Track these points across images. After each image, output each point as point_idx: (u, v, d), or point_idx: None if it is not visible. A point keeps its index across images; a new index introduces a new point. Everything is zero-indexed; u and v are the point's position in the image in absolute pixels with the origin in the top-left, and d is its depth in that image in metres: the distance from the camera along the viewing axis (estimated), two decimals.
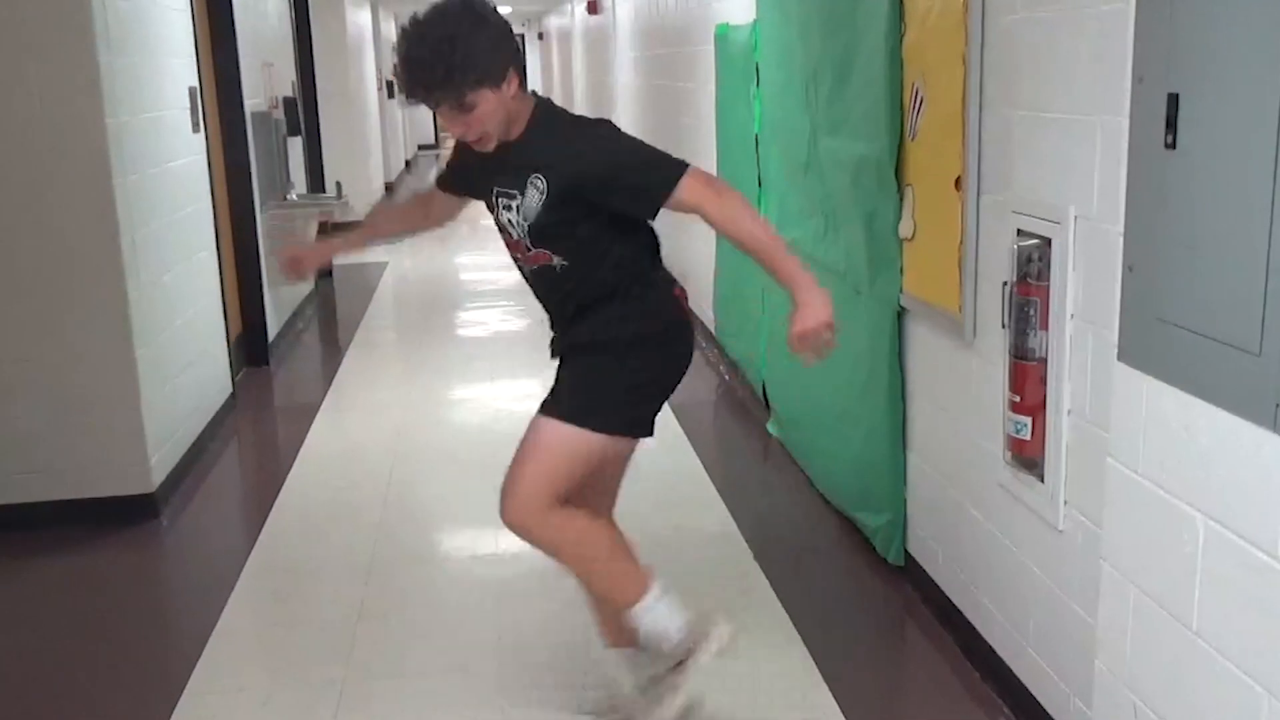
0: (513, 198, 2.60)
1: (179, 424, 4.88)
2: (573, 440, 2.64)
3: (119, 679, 3.33)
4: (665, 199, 2.54)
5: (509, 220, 2.64)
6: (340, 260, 8.57)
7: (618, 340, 2.69)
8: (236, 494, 5.09)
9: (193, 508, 4.64)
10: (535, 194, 2.56)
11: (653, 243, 2.77)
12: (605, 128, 2.66)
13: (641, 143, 2.66)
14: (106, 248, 4.23)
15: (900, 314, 3.60)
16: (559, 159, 2.55)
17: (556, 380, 2.76)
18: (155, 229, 4.71)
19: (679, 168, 2.55)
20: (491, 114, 2.51)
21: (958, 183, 3.06)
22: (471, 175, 2.74)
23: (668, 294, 2.77)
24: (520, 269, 2.76)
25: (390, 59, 17.86)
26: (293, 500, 4.66)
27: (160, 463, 4.55)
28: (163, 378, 4.65)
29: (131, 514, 4.40)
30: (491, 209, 2.69)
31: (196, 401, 5.22)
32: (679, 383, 2.78)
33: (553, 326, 2.84)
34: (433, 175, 2.65)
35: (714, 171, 6.20)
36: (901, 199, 3.47)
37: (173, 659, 3.42)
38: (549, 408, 2.70)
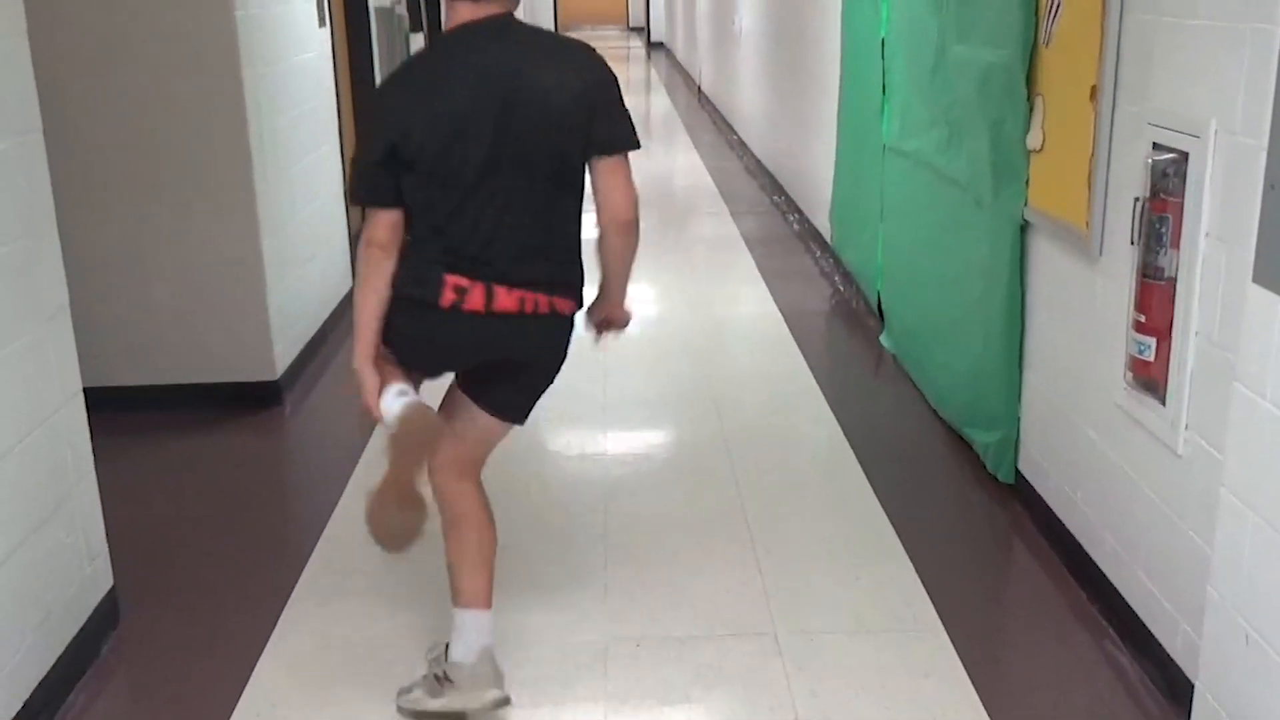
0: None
1: (302, 314, 5.02)
2: None
3: (245, 554, 3.49)
4: None
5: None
6: None
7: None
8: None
9: (314, 396, 4.80)
10: None
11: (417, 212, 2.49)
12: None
13: None
14: (235, 139, 4.33)
15: (1023, 228, 3.51)
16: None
17: None
18: (282, 122, 4.80)
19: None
20: None
21: (1093, 92, 2.95)
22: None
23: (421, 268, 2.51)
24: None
25: None
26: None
27: (284, 351, 4.70)
28: (287, 268, 4.78)
29: (256, 400, 4.57)
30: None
31: (319, 292, 5.36)
32: (419, 360, 2.60)
33: None
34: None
35: (837, 76, 6.07)
36: (1031, 109, 3.36)
37: (295, 536, 3.56)
38: None
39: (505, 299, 2.44)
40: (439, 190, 2.41)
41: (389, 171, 2.40)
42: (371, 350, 2.49)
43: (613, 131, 2.48)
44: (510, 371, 2.61)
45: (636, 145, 2.49)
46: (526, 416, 2.70)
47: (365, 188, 2.47)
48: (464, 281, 2.42)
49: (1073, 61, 3.08)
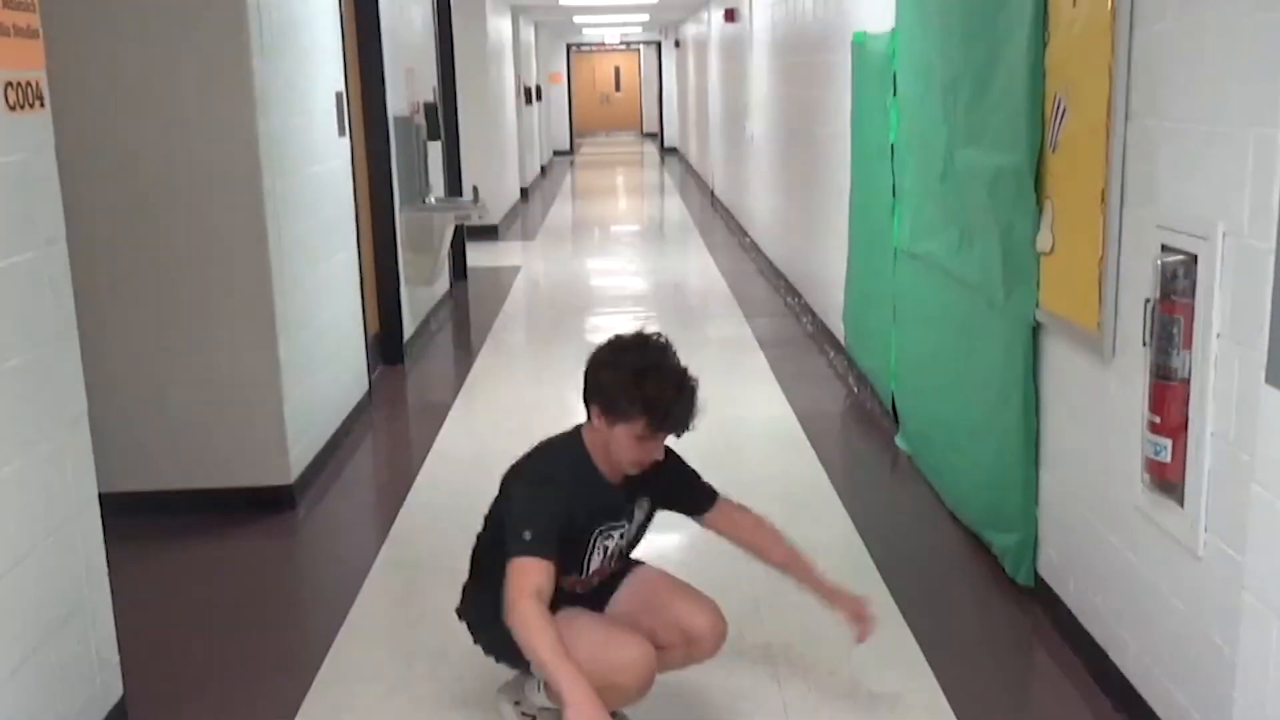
0: (617, 528, 2.79)
1: (317, 419, 5.04)
2: None
3: (255, 663, 3.46)
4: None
5: (605, 549, 2.78)
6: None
7: None
8: (370, 489, 5.24)
9: (328, 501, 4.79)
10: (641, 515, 2.86)
11: None
12: None
13: None
14: (255, 246, 4.40)
15: (1035, 329, 3.52)
16: (658, 478, 2.82)
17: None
18: (301, 229, 4.87)
19: None
20: None
21: (1102, 196, 2.98)
22: (575, 530, 2.71)
23: None
24: (563, 593, 2.70)
25: (528, 66, 18.18)
26: (423, 497, 4.77)
27: (299, 456, 4.71)
28: (303, 373, 4.81)
29: (270, 504, 4.56)
30: (580, 556, 2.75)
31: (334, 397, 5.38)
32: None
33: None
34: (534, 583, 2.63)
35: (848, 180, 6.16)
36: (1040, 211, 3.40)
37: (306, 646, 3.53)
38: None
39: None
40: None
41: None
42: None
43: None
44: None
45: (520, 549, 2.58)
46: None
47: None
48: None
49: (1080, 166, 3.12)
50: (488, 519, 2.86)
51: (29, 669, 2.59)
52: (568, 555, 2.66)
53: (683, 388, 2.62)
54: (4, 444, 2.53)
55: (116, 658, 3.04)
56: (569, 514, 2.64)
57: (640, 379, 2.58)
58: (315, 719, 3.10)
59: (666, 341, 2.70)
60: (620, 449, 2.65)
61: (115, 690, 3.03)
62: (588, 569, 2.76)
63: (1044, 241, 3.39)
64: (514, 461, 2.81)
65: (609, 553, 2.78)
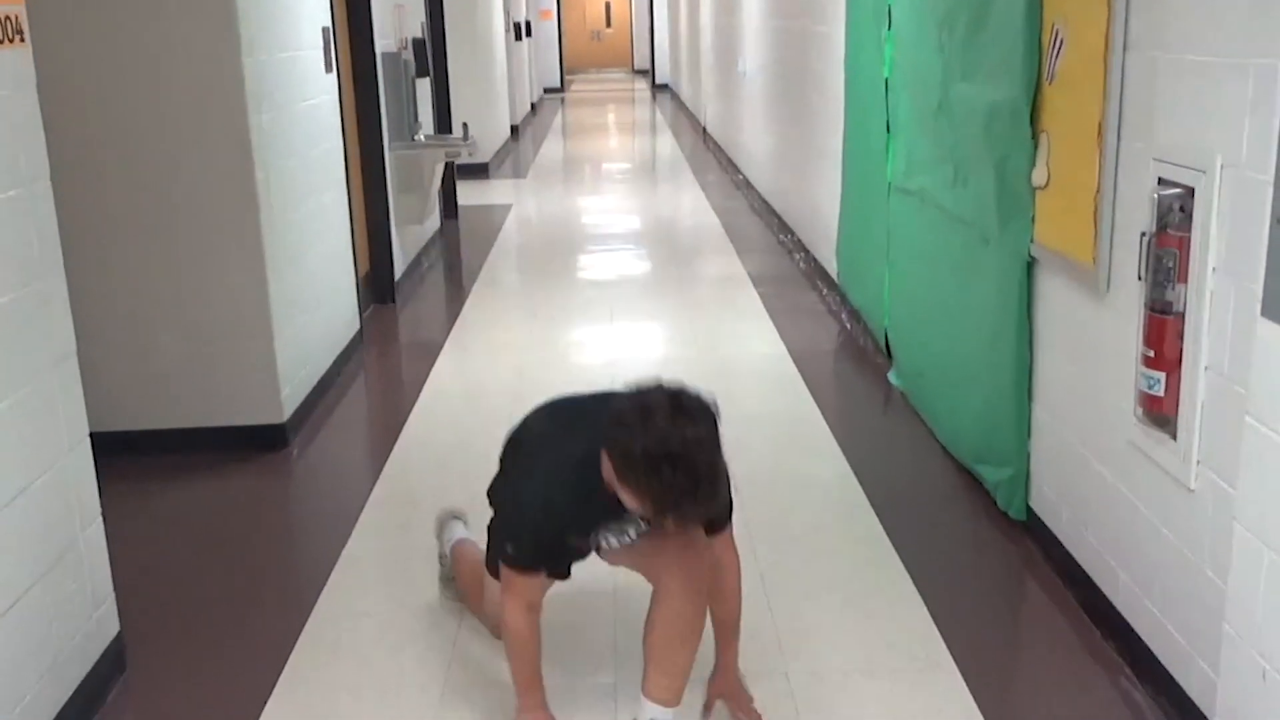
0: (629, 527, 2.63)
1: (309, 358, 5.03)
2: None
3: (250, 600, 3.47)
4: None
5: (611, 543, 2.68)
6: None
7: None
8: (363, 427, 5.24)
9: (321, 439, 4.79)
10: (641, 525, 2.63)
11: None
12: None
13: None
14: (242, 184, 4.35)
15: (1030, 264, 3.50)
16: None
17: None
18: (288, 167, 4.82)
19: None
20: None
21: (1098, 128, 2.96)
22: (580, 534, 2.65)
23: None
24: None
25: (517, 2, 17.96)
26: (416, 435, 4.77)
27: (291, 395, 4.70)
28: (294, 312, 4.79)
29: (263, 443, 4.56)
30: (584, 552, 2.74)
31: (326, 336, 5.36)
32: None
33: None
34: (525, 599, 2.55)
35: (842, 115, 6.11)
36: (1036, 145, 3.37)
37: (301, 582, 3.55)
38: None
39: None
40: None
41: None
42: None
43: None
44: None
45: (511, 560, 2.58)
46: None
47: None
48: None
49: (1077, 98, 3.09)
50: (502, 463, 2.79)
51: (24, 606, 2.60)
52: (567, 554, 2.67)
53: (699, 487, 2.29)
54: None
55: (112, 594, 3.05)
56: (564, 533, 2.59)
57: (655, 467, 2.24)
58: (311, 655, 3.12)
59: (702, 412, 2.36)
60: (634, 505, 2.37)
61: (112, 627, 3.04)
62: (597, 551, 2.73)
63: (1039, 176, 3.36)
64: (528, 430, 2.70)
65: (619, 544, 2.69)
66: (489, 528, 2.78)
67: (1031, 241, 3.44)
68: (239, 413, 4.56)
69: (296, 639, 3.19)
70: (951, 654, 3.02)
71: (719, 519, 2.68)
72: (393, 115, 7.14)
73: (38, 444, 2.71)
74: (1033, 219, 3.42)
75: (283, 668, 3.05)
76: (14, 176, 2.64)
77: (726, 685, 2.77)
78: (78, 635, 2.85)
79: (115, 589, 3.07)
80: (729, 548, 2.73)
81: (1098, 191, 2.97)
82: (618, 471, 2.32)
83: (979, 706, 2.79)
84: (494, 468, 2.79)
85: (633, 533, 2.64)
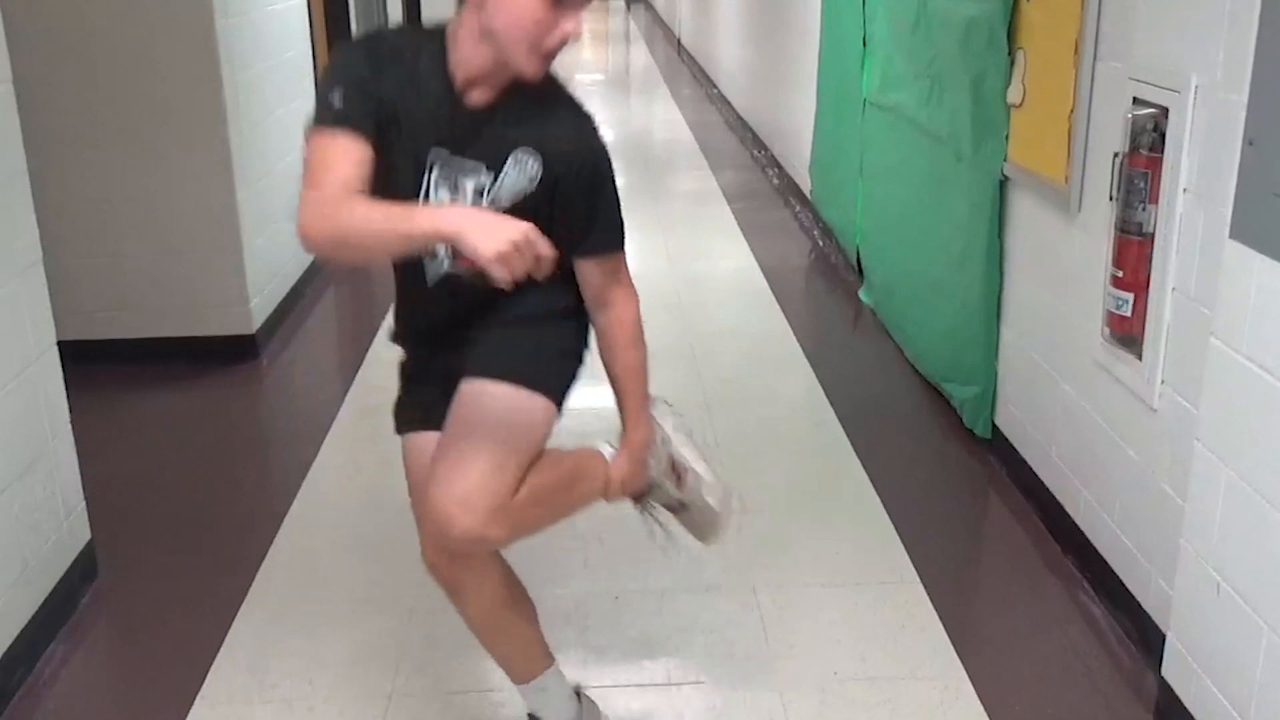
0: (470, 167, 1.92)
1: (279, 268, 4.99)
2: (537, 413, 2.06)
3: (222, 509, 3.49)
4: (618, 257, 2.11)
5: (453, 185, 1.94)
6: None
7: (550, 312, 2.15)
8: (333, 338, 5.22)
9: (291, 349, 4.78)
10: (520, 176, 1.93)
11: None
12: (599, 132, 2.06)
13: None
14: (209, 90, 4.27)
15: (1002, 183, 3.51)
16: (562, 144, 1.95)
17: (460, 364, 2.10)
18: (256, 73, 4.74)
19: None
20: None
21: (1074, 46, 2.94)
22: (398, 135, 1.89)
23: None
24: (419, 278, 2.08)
25: None
26: (386, 347, 4.75)
27: (260, 305, 4.67)
28: (264, 222, 4.73)
29: (233, 353, 4.54)
30: (412, 182, 1.93)
31: (296, 247, 5.29)
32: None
33: (427, 338, 2.24)
34: (338, 170, 1.82)
35: (818, 29, 6.04)
36: (1012, 63, 3.35)
37: (272, 492, 3.56)
38: (486, 370, 2.05)
39: None
40: None
41: None
42: None
43: None
44: None
45: (321, 117, 1.87)
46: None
47: None
48: None
49: (1054, 16, 3.07)
50: None
51: None
52: (393, 169, 1.89)
53: None
54: None
55: (83, 503, 3.06)
56: (384, 100, 1.85)
57: None
58: (281, 563, 3.15)
59: None
60: (516, 21, 1.79)
61: (83, 535, 3.05)
62: (429, 196, 1.94)
63: (1015, 93, 3.35)
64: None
65: (462, 193, 1.94)
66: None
67: (1005, 160, 3.44)
68: (209, 323, 4.53)
69: (268, 548, 3.21)
70: (915, 567, 3.08)
71: (605, 244, 2.07)
72: (362, 20, 7.00)
73: (4, 352, 2.69)
74: (1007, 137, 3.42)
75: (254, 575, 3.08)
76: None
77: (631, 468, 2.23)
78: (49, 542, 2.86)
79: (86, 498, 3.08)
80: (621, 283, 2.15)
81: (1072, 111, 2.97)
82: None
83: (940, 618, 2.85)
84: None
85: (483, 182, 1.92)
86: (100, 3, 4.13)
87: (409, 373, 2.31)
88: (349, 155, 1.80)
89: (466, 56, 1.88)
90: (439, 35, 1.91)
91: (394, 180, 1.89)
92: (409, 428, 2.23)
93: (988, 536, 3.47)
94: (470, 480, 1.93)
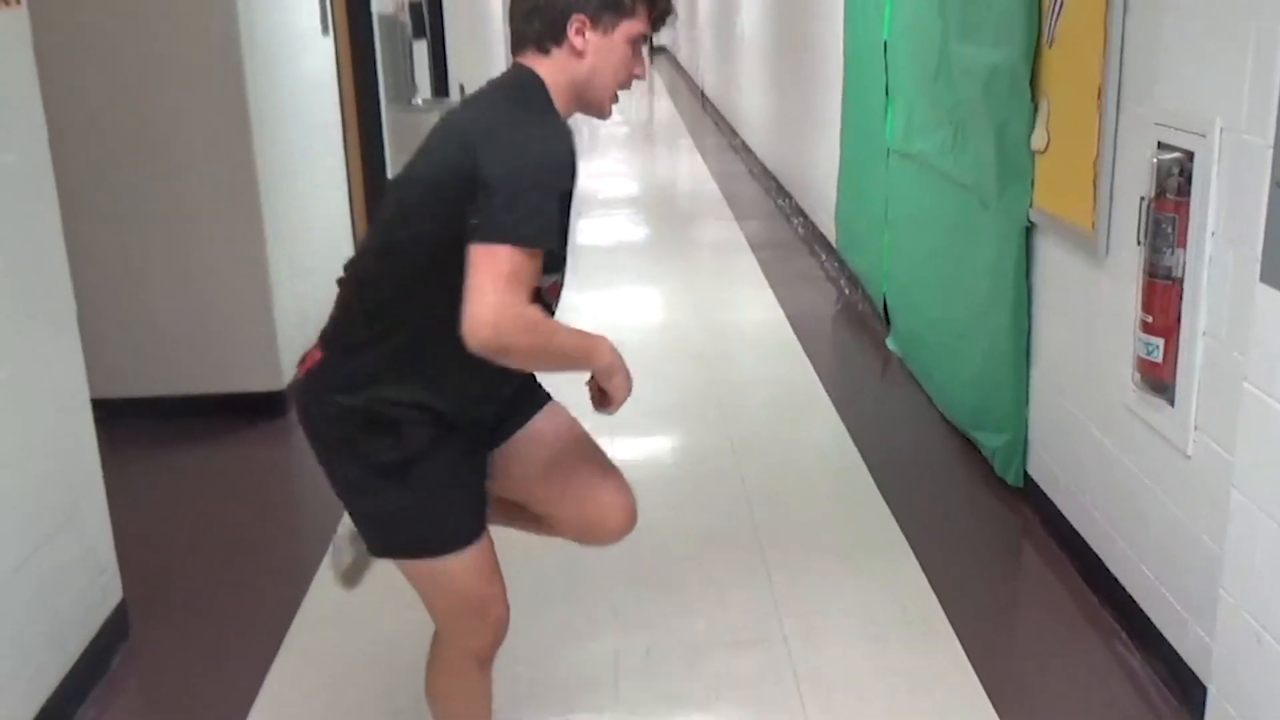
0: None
1: (308, 323, 5.02)
2: None
3: (253, 566, 3.49)
4: None
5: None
6: None
7: None
8: None
9: None
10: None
11: None
12: None
13: None
14: (240, 148, 4.33)
15: (1028, 229, 3.50)
16: None
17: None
18: (286, 131, 4.80)
19: None
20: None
21: (1098, 91, 2.94)
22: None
23: None
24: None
25: None
26: None
27: (290, 361, 4.69)
28: (293, 278, 4.78)
29: (263, 409, 4.56)
30: (562, 257, 2.03)
31: (326, 302, 5.33)
32: None
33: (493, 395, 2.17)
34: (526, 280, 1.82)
35: (841, 78, 6.08)
36: (1035, 109, 3.36)
37: (302, 548, 3.56)
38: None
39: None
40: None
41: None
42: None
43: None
44: None
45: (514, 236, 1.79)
46: (376, 548, 2.17)
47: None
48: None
49: (1077, 61, 3.08)
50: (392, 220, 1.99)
51: (28, 572, 2.61)
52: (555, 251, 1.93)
53: None
54: None
55: (115, 562, 3.07)
56: (569, 187, 1.91)
57: None
58: (314, 619, 3.14)
59: None
60: (612, 68, 1.94)
61: (115, 594, 3.06)
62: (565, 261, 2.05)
63: (1039, 139, 3.35)
64: (472, 117, 1.98)
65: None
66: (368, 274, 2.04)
67: (1030, 206, 3.44)
68: (239, 379, 4.56)
69: (299, 605, 3.20)
70: (948, 618, 3.04)
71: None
72: (390, 78, 7.09)
73: (38, 410, 2.71)
74: (1032, 183, 3.42)
75: (285, 634, 3.07)
76: (12, 140, 2.63)
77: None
78: (81, 602, 2.87)
79: (117, 556, 3.09)
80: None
81: (1097, 156, 2.96)
82: (607, 9, 1.91)
83: (975, 669, 2.81)
84: None
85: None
86: (134, 60, 4.20)
87: (455, 468, 2.08)
88: (540, 267, 1.84)
89: (562, 111, 1.96)
90: (552, 105, 1.95)
91: (550, 256, 1.91)
92: (481, 529, 2.12)
93: (1022, 586, 3.43)
94: (624, 483, 2.28)
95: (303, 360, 2.08)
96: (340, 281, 2.09)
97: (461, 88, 8.44)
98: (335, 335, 2.06)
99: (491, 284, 1.75)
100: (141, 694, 2.94)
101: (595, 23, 1.93)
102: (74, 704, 2.77)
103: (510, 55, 2.03)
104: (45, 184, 2.79)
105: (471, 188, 1.80)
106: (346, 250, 5.85)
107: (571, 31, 1.92)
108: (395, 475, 2.01)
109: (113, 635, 3.00)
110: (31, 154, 2.72)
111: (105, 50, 4.18)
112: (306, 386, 2.07)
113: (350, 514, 2.17)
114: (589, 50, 1.93)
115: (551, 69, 1.94)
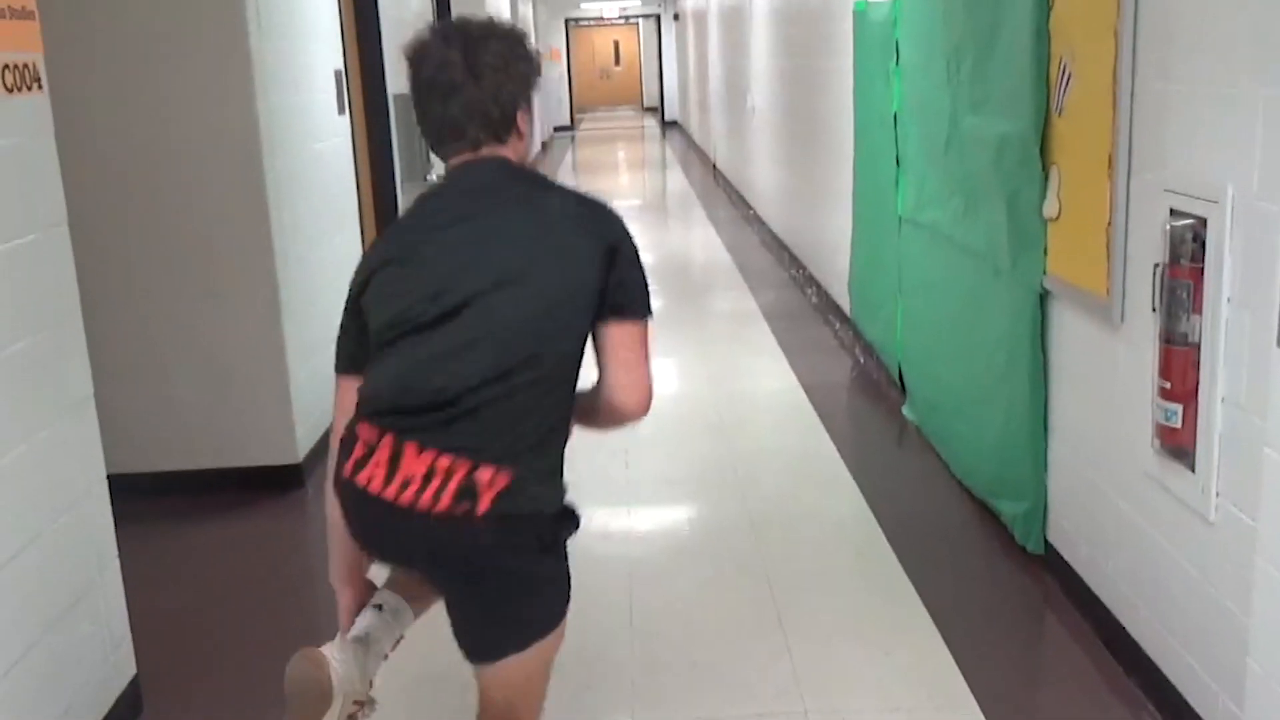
0: None
1: (324, 397, 5.01)
2: None
3: (268, 641, 3.45)
4: None
5: None
6: None
7: None
8: None
9: None
10: None
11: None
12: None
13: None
14: (257, 227, 4.38)
15: (1042, 296, 3.50)
16: None
17: None
18: (302, 209, 4.85)
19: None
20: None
21: (1109, 160, 2.96)
22: None
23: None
24: None
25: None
26: None
27: (306, 435, 4.71)
28: (309, 352, 4.80)
29: (278, 483, 4.56)
30: None
31: None
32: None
33: None
34: None
35: (851, 150, 6.13)
36: (1046, 178, 3.37)
37: (319, 623, 3.53)
38: None
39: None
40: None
41: None
42: (343, 559, 2.19)
43: None
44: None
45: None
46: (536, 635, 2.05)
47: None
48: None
49: (1086, 130, 3.10)
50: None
51: (42, 649, 2.60)
52: None
53: None
54: (10, 428, 2.53)
55: (129, 637, 3.05)
56: None
57: (521, 36, 2.11)
58: None
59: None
60: (532, 136, 2.19)
61: (128, 669, 3.04)
62: None
63: (1050, 208, 3.37)
64: (610, 212, 2.09)
65: None
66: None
67: (1044, 273, 3.44)
68: (255, 453, 4.56)
69: None
70: (971, 691, 2.99)
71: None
72: (405, 156, 7.18)
73: (55, 487, 2.72)
74: (1045, 251, 3.42)
75: None
76: (32, 222, 2.67)
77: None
78: (95, 678, 2.85)
79: (132, 631, 3.07)
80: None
81: (1109, 223, 2.97)
82: (529, 97, 2.09)
83: None
84: None
85: None
86: (151, 140, 4.27)
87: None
88: None
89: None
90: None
91: None
92: None
93: (1046, 657, 3.38)
94: None
95: (469, 493, 1.89)
96: (470, 401, 1.93)
97: None
98: (511, 449, 1.92)
99: (646, 358, 2.01)
100: None
101: (529, 106, 2.10)
102: None
103: (447, 152, 2.09)
104: (64, 263, 2.83)
105: (606, 273, 1.97)
106: None
107: (520, 119, 2.09)
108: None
109: (126, 712, 2.98)
110: (51, 235, 2.76)
111: (125, 131, 4.25)
112: (512, 507, 1.91)
113: (531, 617, 2.05)
114: (526, 128, 2.11)
115: (512, 152, 2.10)
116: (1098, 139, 3.01)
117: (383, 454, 1.93)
